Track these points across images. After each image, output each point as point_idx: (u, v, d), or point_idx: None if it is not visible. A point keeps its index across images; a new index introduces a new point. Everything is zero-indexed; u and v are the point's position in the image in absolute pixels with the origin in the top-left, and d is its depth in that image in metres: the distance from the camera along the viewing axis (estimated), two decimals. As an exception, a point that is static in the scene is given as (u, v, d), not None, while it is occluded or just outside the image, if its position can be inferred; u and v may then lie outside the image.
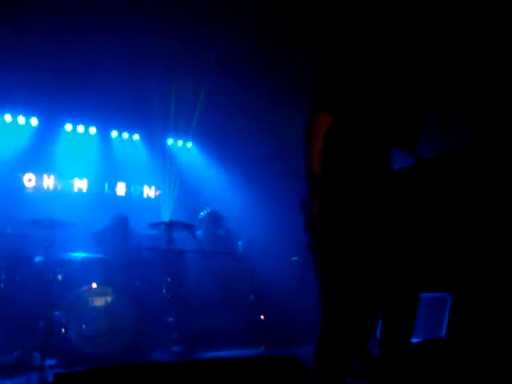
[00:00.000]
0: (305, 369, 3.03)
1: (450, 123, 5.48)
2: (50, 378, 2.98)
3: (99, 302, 5.26)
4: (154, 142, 8.26)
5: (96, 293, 5.29)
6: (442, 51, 5.03)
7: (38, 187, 7.34)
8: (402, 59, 2.80)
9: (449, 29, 5.09)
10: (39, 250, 5.44)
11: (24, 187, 7.24)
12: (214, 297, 6.32)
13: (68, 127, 7.63)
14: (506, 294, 3.89)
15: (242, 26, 5.87)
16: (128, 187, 8.02)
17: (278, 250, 7.11)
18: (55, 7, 5.66)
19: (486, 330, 3.82)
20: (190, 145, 8.64)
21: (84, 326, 5.09)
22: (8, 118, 7.27)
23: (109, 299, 5.30)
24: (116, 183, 7.93)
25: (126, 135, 8.14)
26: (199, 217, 7.03)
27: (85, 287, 5.31)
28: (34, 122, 7.41)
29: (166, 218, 7.42)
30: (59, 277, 5.30)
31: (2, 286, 5.26)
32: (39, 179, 7.37)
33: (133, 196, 8.02)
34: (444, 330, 4.41)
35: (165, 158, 8.26)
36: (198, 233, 6.58)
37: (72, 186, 7.60)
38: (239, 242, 7.03)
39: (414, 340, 2.66)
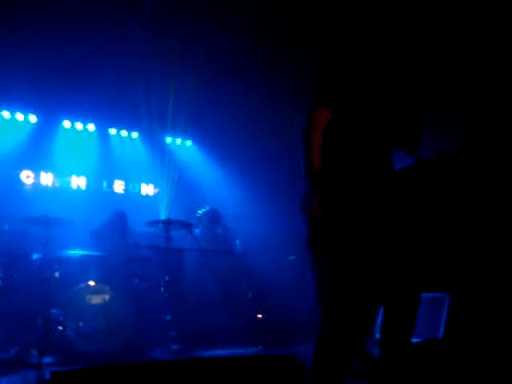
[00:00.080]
0: (303, 368, 3.02)
1: (450, 123, 5.48)
2: (47, 376, 2.98)
3: (97, 299, 5.25)
4: (152, 140, 8.26)
5: (94, 290, 5.28)
6: (442, 51, 5.02)
7: (36, 184, 7.32)
8: (402, 59, 2.80)
9: (448, 29, 5.09)
10: (37, 247, 5.42)
11: (22, 184, 7.22)
12: (212, 295, 6.31)
13: (67, 124, 7.63)
14: (504, 294, 3.90)
15: (241, 25, 5.86)
16: (126, 185, 8.01)
17: (276, 249, 7.11)
18: (54, 4, 5.65)
19: (484, 330, 3.83)
20: (189, 143, 8.64)
21: (81, 324, 5.08)
22: (6, 114, 7.25)
23: (106, 297, 5.29)
24: (114, 181, 7.92)
25: (124, 133, 8.13)
26: (197, 215, 7.02)
27: (82, 285, 5.29)
28: (33, 119, 7.40)
29: (164, 216, 7.42)
30: (56, 274, 5.30)
31: (0, 283, 5.25)
32: (37, 176, 7.35)
33: (131, 194, 8.01)
34: (442, 330, 4.41)
35: (163, 156, 8.25)
36: (197, 231, 6.57)
37: (70, 183, 7.58)
38: (237, 241, 7.03)
39: (413, 340, 2.65)
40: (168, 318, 5.49)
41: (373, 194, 2.55)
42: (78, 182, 7.64)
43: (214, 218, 6.96)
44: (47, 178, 7.42)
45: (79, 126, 7.70)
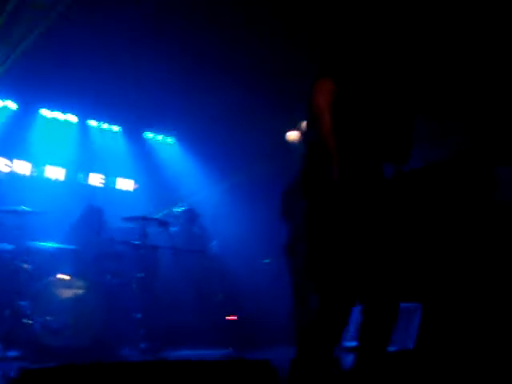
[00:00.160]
0: (275, 373, 2.98)
1: (441, 132, 5.52)
2: (13, 370, 2.89)
3: (67, 293, 5.14)
4: (134, 134, 8.18)
5: (64, 284, 5.17)
6: (434, 60, 5.06)
7: (13, 173, 7.18)
8: (395, 68, 2.80)
9: (440, 38, 5.13)
10: (8, 237, 5.31)
11: (-3, 172, 7.08)
12: (183, 294, 6.29)
13: (47, 113, 7.50)
14: (478, 303, 3.93)
15: (225, 22, 5.84)
16: (106, 179, 7.92)
17: (251, 251, 7.10)
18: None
19: (455, 340, 3.86)
20: (169, 140, 8.57)
21: (49, 318, 4.97)
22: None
23: (77, 292, 5.19)
24: (93, 174, 7.83)
25: (105, 126, 8.03)
26: (175, 213, 6.97)
27: (52, 278, 5.18)
28: (13, 106, 7.26)
29: (141, 212, 7.33)
30: (26, 265, 5.18)
31: (-32, 272, 5.13)
32: (14, 165, 7.21)
33: (111, 188, 7.93)
34: (413, 340, 4.43)
35: (144, 151, 8.19)
36: (173, 229, 6.51)
37: (47, 173, 7.46)
38: (214, 242, 7.00)
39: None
40: (138, 315, 5.42)
41: (366, 195, 2.53)
42: (57, 172, 7.52)
43: (191, 216, 6.93)
44: (25, 167, 7.28)
45: (60, 116, 7.58)
